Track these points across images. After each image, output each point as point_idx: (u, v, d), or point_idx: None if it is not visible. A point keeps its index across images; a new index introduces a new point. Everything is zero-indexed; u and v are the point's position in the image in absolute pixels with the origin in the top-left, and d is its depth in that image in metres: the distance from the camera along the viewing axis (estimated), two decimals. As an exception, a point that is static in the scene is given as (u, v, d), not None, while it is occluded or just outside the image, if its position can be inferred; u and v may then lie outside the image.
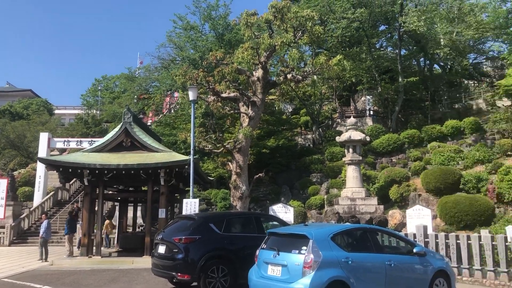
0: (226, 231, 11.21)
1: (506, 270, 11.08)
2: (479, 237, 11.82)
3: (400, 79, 33.17)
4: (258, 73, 18.19)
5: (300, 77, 17.62)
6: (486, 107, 34.47)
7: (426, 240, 12.78)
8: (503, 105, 32.63)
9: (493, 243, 11.43)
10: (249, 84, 19.30)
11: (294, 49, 16.74)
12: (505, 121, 28.08)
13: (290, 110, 43.43)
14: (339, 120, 37.51)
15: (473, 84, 42.14)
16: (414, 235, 13.08)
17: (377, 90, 34.79)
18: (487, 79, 41.66)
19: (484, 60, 44.66)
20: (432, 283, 8.97)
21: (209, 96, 19.49)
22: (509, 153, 26.81)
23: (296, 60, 16.57)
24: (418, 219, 14.98)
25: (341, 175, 28.66)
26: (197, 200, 16.17)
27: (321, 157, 31.98)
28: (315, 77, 33.58)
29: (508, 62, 33.97)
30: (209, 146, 19.69)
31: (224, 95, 18.90)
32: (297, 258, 8.03)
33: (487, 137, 30.08)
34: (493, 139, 29.51)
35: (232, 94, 18.91)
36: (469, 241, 11.88)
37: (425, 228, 12.94)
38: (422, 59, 37.20)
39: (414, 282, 8.85)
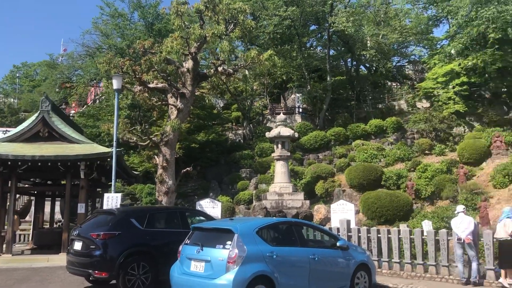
0: (149, 226, 10.70)
1: (422, 262, 11.59)
2: (399, 231, 12.29)
3: (328, 78, 34.04)
4: (188, 64, 17.71)
5: (231, 71, 17.37)
6: (407, 108, 36.32)
7: (349, 234, 13.07)
8: (422, 106, 34.58)
9: (411, 236, 11.92)
10: (178, 75, 18.73)
11: (225, 42, 16.43)
12: (424, 121, 29.73)
13: (222, 105, 43.13)
14: (269, 117, 37.79)
15: (396, 86, 44.28)
16: (338, 229, 13.33)
17: (307, 88, 35.46)
18: (409, 82, 43.98)
19: (406, 64, 47.06)
20: (354, 276, 9.12)
21: (135, 86, 18.68)
22: (426, 152, 28.43)
23: (227, 53, 16.30)
24: (342, 213, 15.34)
25: (270, 170, 28.85)
26: (119, 194, 15.41)
27: (251, 152, 32.05)
28: (246, 72, 33.69)
29: (428, 66, 36.07)
30: (135, 138, 18.88)
31: (151, 85, 18.20)
32: (221, 253, 7.78)
33: (407, 137, 31.73)
34: (412, 139, 31.19)
35: (160, 85, 18.26)
36: (389, 235, 12.31)
37: (348, 222, 13.24)
38: (349, 59, 38.44)
39: (337, 275, 8.94)
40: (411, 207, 22.06)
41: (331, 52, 37.39)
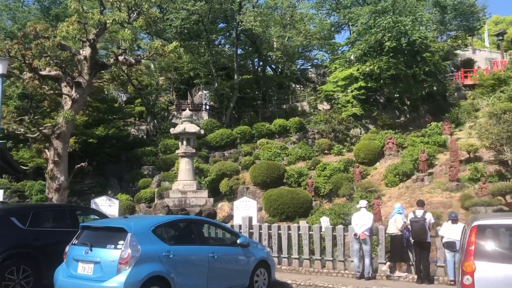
0: (32, 225, 9.61)
1: (319, 257, 11.85)
2: (298, 228, 12.47)
3: (236, 77, 34.11)
4: (86, 51, 16.44)
5: (133, 61, 16.43)
6: (309, 109, 37.64)
7: (251, 231, 13.00)
8: (323, 108, 36.08)
9: (310, 232, 12.14)
10: (74, 63, 17.34)
11: (127, 30, 15.51)
12: (324, 122, 30.96)
13: (125, 98, 41.29)
14: (175, 113, 36.90)
15: (299, 88, 45.78)
16: (240, 226, 13.20)
17: (214, 85, 35.20)
18: (312, 85, 45.71)
19: (310, 67, 48.90)
20: (253, 274, 8.98)
21: (25, 73, 16.95)
22: (326, 151, 29.62)
23: (129, 41, 15.36)
24: (245, 210, 15.28)
25: (174, 168, 28.08)
26: (0, 191, 13.84)
27: (155, 149, 31.00)
28: (152, 65, 32.51)
29: (329, 70, 37.72)
30: (22, 130, 17.15)
31: (43, 72, 16.61)
32: (112, 253, 7.17)
33: (308, 136, 32.83)
34: (313, 138, 32.35)
35: (53, 73, 16.73)
36: (289, 232, 12.43)
37: (250, 219, 13.17)
38: (256, 60, 38.91)
39: (236, 273, 8.73)
40: (311, 204, 22.77)
41: (239, 51, 37.56)
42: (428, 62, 32.54)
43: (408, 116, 35.18)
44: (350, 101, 32.56)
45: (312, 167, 26.90)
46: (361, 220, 10.72)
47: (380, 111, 33.67)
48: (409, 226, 10.28)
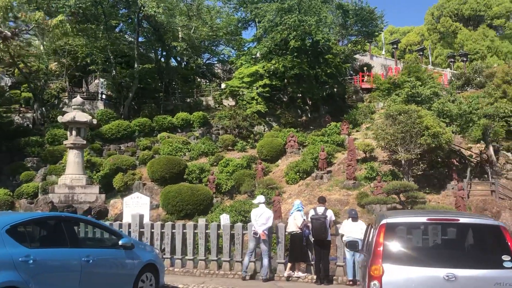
0: None
1: (216, 258, 10.97)
2: (194, 226, 11.46)
3: (136, 65, 32.10)
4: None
5: (9, 33, 14.24)
6: (214, 105, 36.76)
7: (141, 230, 11.74)
8: (228, 104, 35.42)
9: (207, 231, 11.20)
10: None
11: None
12: (229, 118, 30.29)
13: (10, 83, 37.12)
14: (67, 101, 33.73)
15: (205, 83, 44.71)
16: (130, 225, 11.86)
17: (112, 73, 32.79)
18: (218, 80, 44.89)
19: (216, 62, 48.01)
20: (138, 279, 7.81)
21: None
22: (230, 147, 28.98)
23: (2, 10, 13.23)
24: (136, 207, 13.91)
25: (62, 160, 25.49)
26: None
27: (41, 139, 27.99)
28: (42, 47, 29.33)
29: (235, 66, 37.19)
30: None
31: None
32: None
33: (212, 132, 31.94)
34: (217, 134, 31.53)
35: None
36: (184, 230, 11.37)
37: (141, 217, 11.88)
38: (160, 50, 37.02)
39: (117, 279, 7.51)
40: (212, 201, 21.90)
41: (142, 39, 35.49)
42: (330, 64, 33.38)
43: (309, 115, 35.89)
44: (255, 98, 32.29)
45: (215, 163, 26.08)
46: (261, 218, 10.01)
47: (283, 110, 33.88)
48: (309, 224, 9.80)
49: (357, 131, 30.83)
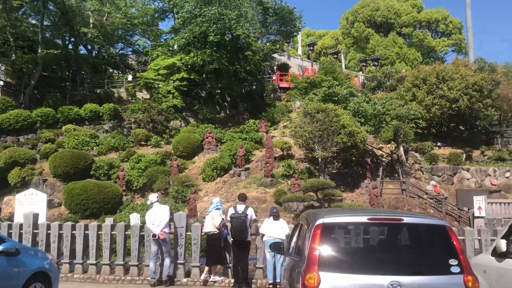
0: None
1: (122, 262, 9.80)
2: (98, 226, 10.18)
3: (39, 50, 29.22)
4: None
5: None
6: (127, 97, 34.77)
7: (35, 231, 10.21)
8: (142, 97, 33.62)
9: (113, 232, 9.99)
10: None
11: None
12: (143, 111, 28.67)
13: None
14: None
15: (117, 74, 42.24)
16: (21, 225, 10.28)
17: (11, 58, 29.57)
18: (131, 72, 42.62)
19: (130, 53, 45.65)
20: (25, 291, 6.53)
21: None
22: (143, 143, 27.39)
23: None
24: (31, 205, 12.22)
25: None
26: None
27: None
28: None
29: (151, 57, 35.42)
30: None
31: None
32: None
33: (124, 126, 30.05)
34: (130, 128, 29.72)
35: None
36: (86, 231, 10.05)
37: (35, 216, 10.34)
38: (67, 35, 34.16)
39: (-4, 294, 6.19)
40: (121, 199, 20.39)
41: (47, 23, 32.48)
42: (250, 61, 33.01)
43: (228, 112, 35.24)
44: (172, 91, 30.92)
45: (126, 159, 24.44)
46: (158, 217, 9.08)
47: (201, 105, 32.86)
48: (228, 224, 9.05)
49: (275, 129, 30.75)
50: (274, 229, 8.78)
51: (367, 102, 21.41)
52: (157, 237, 8.94)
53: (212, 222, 9.08)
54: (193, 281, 9.26)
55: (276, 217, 9.01)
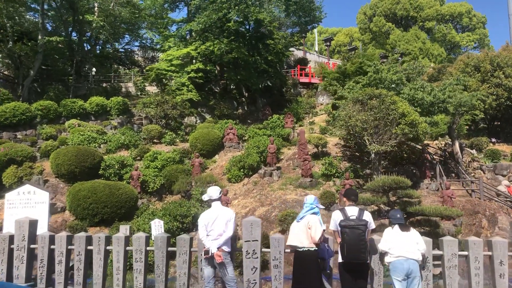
0: None
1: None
2: (126, 239, 6.98)
3: (40, 37, 26.11)
4: None
5: None
6: (135, 92, 31.74)
7: (32, 246, 7.06)
8: (152, 91, 30.56)
9: (149, 248, 6.80)
10: None
11: None
12: (155, 105, 25.59)
13: None
14: None
15: (123, 69, 39.23)
16: (12, 237, 7.11)
17: (8, 45, 26.47)
18: (138, 68, 39.62)
19: (137, 49, 42.81)
20: None
21: None
22: (156, 140, 24.34)
23: None
24: (26, 208, 9.07)
25: None
26: None
27: None
28: None
29: (162, 48, 32.40)
30: None
31: None
32: None
33: (134, 121, 26.99)
34: (140, 124, 26.67)
35: None
36: (108, 247, 6.87)
37: (33, 224, 7.18)
38: (71, 23, 31.07)
39: None
40: (136, 202, 17.20)
41: (48, 6, 29.42)
42: (271, 50, 29.97)
43: (246, 108, 32.22)
44: (186, 84, 27.89)
45: (139, 157, 21.31)
46: (217, 225, 5.98)
47: (217, 100, 29.79)
48: (335, 236, 5.92)
49: (300, 125, 27.68)
50: (405, 244, 5.62)
51: (422, 89, 18.26)
52: (210, 255, 5.81)
53: (307, 234, 5.87)
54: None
55: (404, 226, 5.84)
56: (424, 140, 17.46)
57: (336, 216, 5.83)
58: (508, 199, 16.37)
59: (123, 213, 16.09)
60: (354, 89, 20.70)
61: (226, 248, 5.99)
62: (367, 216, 5.73)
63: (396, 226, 5.81)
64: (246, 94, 32.47)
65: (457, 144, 20.11)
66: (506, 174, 19.31)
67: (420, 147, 20.21)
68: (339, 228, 5.71)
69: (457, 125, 19.92)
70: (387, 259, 5.74)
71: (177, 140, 24.76)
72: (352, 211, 5.76)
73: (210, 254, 5.87)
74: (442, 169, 18.37)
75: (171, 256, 6.86)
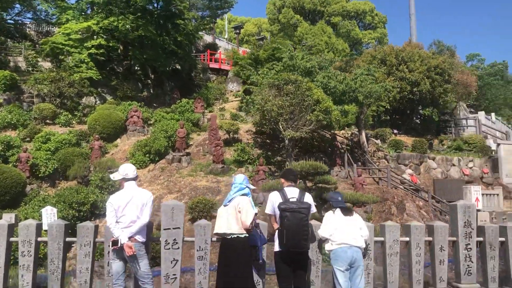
0: None
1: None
2: (10, 227, 5.56)
3: None
4: None
5: None
6: (26, 67, 28.33)
7: None
8: (46, 68, 27.47)
9: (40, 239, 5.44)
10: None
11: None
12: (49, 82, 22.97)
13: None
14: None
15: (12, 42, 34.96)
16: None
17: None
18: (30, 43, 35.58)
19: (29, 22, 38.44)
20: None
21: None
22: (49, 121, 21.89)
23: None
24: None
25: None
26: None
27: None
28: None
29: (59, 21, 29.26)
30: None
31: None
32: None
33: (24, 99, 24.00)
34: (31, 103, 23.79)
35: None
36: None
37: None
38: None
39: None
40: (25, 188, 15.07)
41: None
42: (181, 31, 28.50)
43: (152, 91, 30.42)
44: (86, 61, 25.44)
45: (29, 138, 18.89)
46: (129, 212, 4.94)
47: (120, 81, 27.66)
48: (270, 221, 5.15)
49: (210, 111, 26.73)
50: (348, 230, 5.02)
51: (335, 78, 18.32)
52: (119, 247, 4.73)
53: (235, 217, 4.99)
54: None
55: (347, 210, 5.25)
56: (336, 128, 17.57)
57: (274, 198, 5.05)
58: (412, 187, 17.03)
59: (8, 200, 13.99)
60: (269, 75, 20.23)
61: (140, 238, 4.93)
62: (309, 198, 5.03)
63: (338, 210, 5.19)
64: (153, 76, 30.68)
65: (363, 134, 20.63)
66: (407, 164, 20.23)
67: (329, 135, 20.42)
68: (277, 212, 4.93)
69: (364, 115, 20.39)
70: (327, 246, 5.10)
71: (74, 122, 22.56)
72: (292, 192, 5.03)
73: (119, 245, 4.76)
74: (350, 158, 18.67)
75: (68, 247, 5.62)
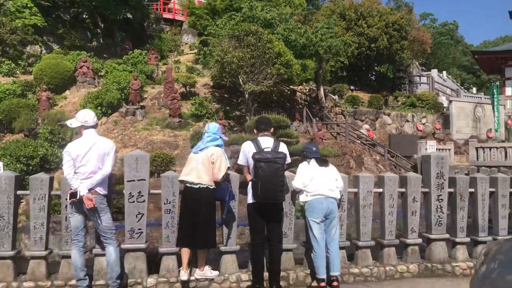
0: None
1: (12, 253, 4.86)
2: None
3: None
4: None
5: None
6: (-40, 10, 25.86)
7: None
8: (-17, 12, 25.21)
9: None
10: None
11: None
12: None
13: None
14: None
15: None
16: None
17: None
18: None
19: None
20: None
21: None
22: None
23: None
24: None
25: None
26: None
27: None
28: None
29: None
30: None
31: None
32: None
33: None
34: (-33, 50, 21.89)
35: None
36: None
37: None
38: None
39: None
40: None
41: None
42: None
43: (102, 41, 28.75)
44: (29, 6, 23.51)
45: (-34, 88, 17.43)
46: (90, 161, 4.44)
47: (68, 29, 25.89)
48: (244, 172, 4.87)
49: (164, 64, 25.72)
50: (323, 181, 4.84)
51: (296, 30, 17.89)
52: (78, 200, 4.32)
53: (207, 167, 4.67)
54: (167, 281, 4.86)
55: (322, 161, 5.05)
56: (297, 82, 17.35)
57: (247, 148, 4.74)
58: (368, 142, 17.27)
59: None
60: (227, 26, 19.50)
61: (102, 190, 4.51)
62: (284, 148, 4.77)
63: (313, 161, 4.98)
64: (102, 25, 28.90)
65: (322, 89, 20.58)
66: (364, 119, 20.48)
67: (288, 91, 20.22)
68: (250, 162, 4.65)
69: (323, 71, 20.27)
70: (302, 198, 4.91)
71: (18, 72, 21.11)
72: (267, 142, 4.74)
73: (78, 198, 4.34)
74: (309, 113, 18.62)
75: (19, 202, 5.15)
